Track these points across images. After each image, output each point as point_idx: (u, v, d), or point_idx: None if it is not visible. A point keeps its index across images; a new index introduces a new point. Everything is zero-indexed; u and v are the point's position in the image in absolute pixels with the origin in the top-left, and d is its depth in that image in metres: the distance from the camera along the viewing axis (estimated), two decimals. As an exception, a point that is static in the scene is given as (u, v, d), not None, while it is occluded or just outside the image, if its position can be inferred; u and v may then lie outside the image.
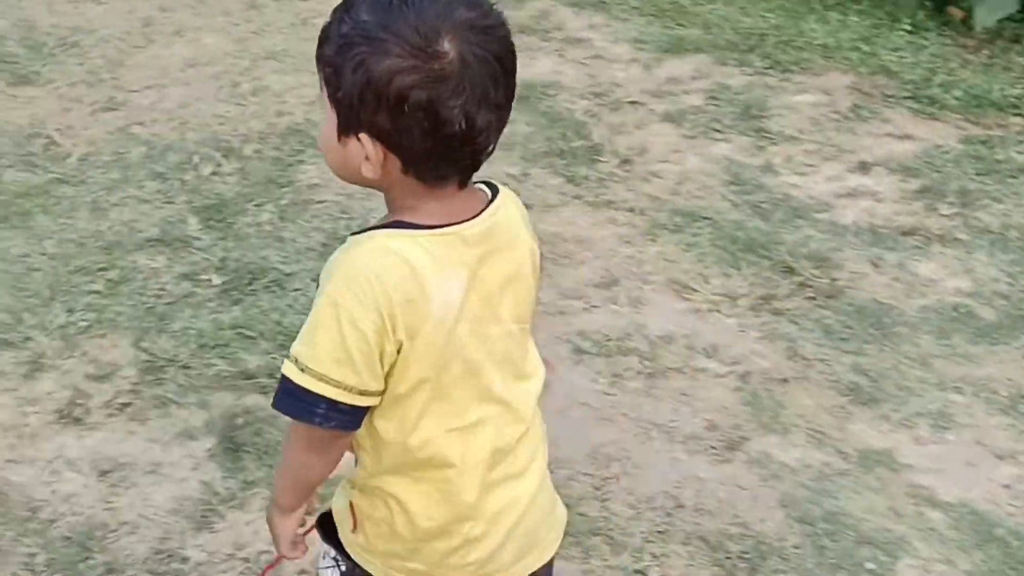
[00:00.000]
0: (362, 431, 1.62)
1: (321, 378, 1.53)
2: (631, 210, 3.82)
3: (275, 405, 1.59)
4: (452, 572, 1.72)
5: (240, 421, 2.94)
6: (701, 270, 3.55)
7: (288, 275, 3.46)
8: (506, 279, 1.62)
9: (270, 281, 3.44)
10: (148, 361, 3.13)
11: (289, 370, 1.55)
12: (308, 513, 1.81)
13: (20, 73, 4.48)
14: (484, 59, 1.46)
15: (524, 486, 1.72)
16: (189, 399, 3.01)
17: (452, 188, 1.55)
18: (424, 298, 1.51)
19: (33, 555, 2.58)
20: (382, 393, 1.56)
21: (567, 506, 1.86)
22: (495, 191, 1.64)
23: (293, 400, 1.55)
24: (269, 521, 1.80)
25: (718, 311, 3.39)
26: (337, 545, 1.81)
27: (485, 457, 1.65)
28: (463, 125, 1.47)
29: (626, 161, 4.06)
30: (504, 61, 1.49)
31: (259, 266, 3.49)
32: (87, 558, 2.57)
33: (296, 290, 3.40)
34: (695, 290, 3.46)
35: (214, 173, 3.94)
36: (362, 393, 1.54)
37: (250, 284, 3.43)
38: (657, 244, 3.66)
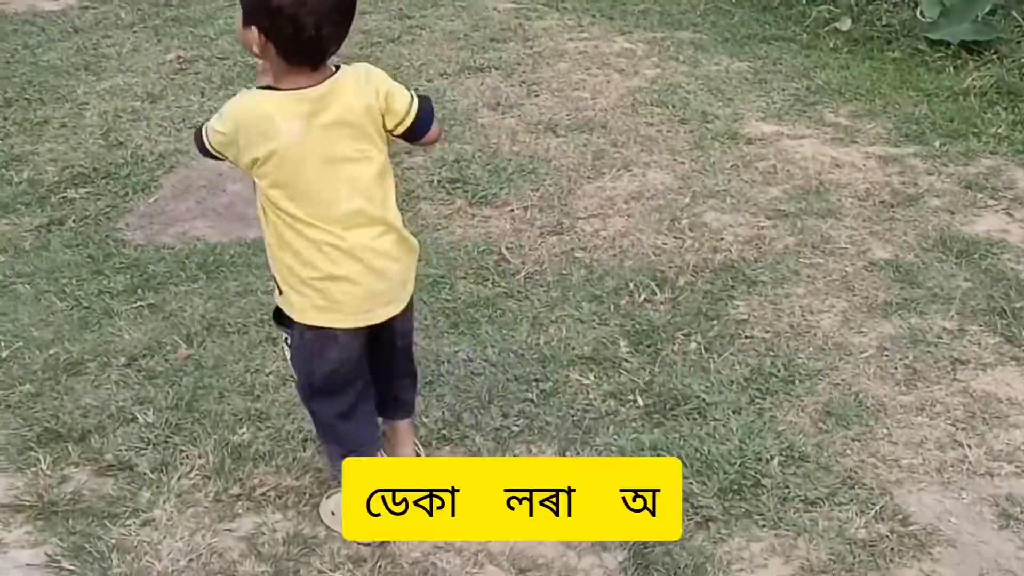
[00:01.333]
0: (260, 214, 2.84)
1: (208, 133, 2.82)
2: (1075, 377, 3.63)
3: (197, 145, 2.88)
4: (336, 305, 2.83)
5: (653, 541, 3.02)
6: None
7: (709, 404, 3.53)
8: (338, 123, 2.73)
9: (691, 408, 3.53)
10: (571, 471, 3.27)
11: (203, 130, 2.84)
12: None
13: (480, 194, 4.86)
14: None
15: (373, 263, 2.83)
16: (605, 512, 3.13)
17: (307, 68, 2.71)
18: (274, 130, 2.70)
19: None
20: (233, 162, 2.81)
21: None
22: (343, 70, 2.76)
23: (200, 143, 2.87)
24: None
25: None
26: (280, 322, 2.99)
27: (340, 235, 2.78)
28: (313, 32, 2.63)
29: (1073, 326, 3.87)
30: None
31: (682, 393, 3.59)
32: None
33: (716, 420, 3.46)
34: None
35: (647, 300, 4.10)
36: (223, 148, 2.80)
37: (672, 409, 3.53)
38: (1103, 415, 3.46)
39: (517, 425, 3.48)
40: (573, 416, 3.52)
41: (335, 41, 2.70)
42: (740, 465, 3.26)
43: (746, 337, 3.88)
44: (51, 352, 3.92)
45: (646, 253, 4.39)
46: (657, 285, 4.18)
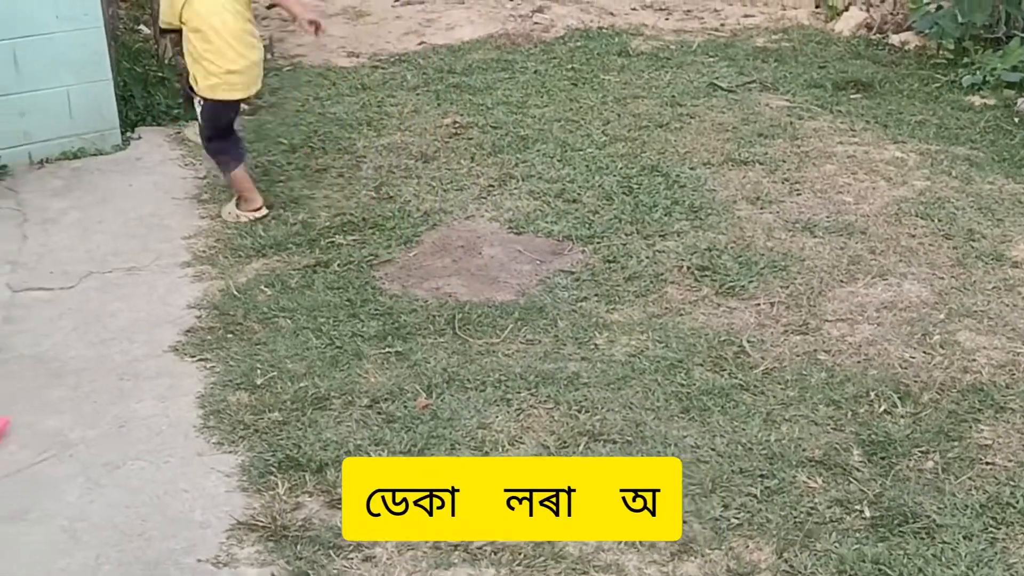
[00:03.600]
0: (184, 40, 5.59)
1: (162, 20, 5.73)
2: None
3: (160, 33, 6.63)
4: (223, 86, 5.41)
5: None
6: None
7: (940, 526, 3.43)
8: None
9: (920, 527, 3.43)
10: (787, 572, 3.24)
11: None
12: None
13: (728, 285, 4.87)
14: None
15: (248, 62, 5.45)
16: (817, 618, 3.08)
17: None
18: None
19: None
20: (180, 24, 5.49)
21: None
22: None
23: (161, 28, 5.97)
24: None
25: None
26: (193, 94, 5.59)
27: (234, 45, 5.38)
28: None
29: None
30: None
31: (912, 511, 3.49)
32: None
33: (945, 542, 3.35)
34: None
35: (886, 412, 4.01)
36: (169, 22, 5.60)
37: (900, 525, 3.44)
38: None
39: (737, 518, 3.46)
40: (796, 517, 3.48)
41: None
42: (964, 593, 3.15)
43: (987, 463, 3.75)
44: (301, 385, 4.14)
45: (892, 364, 4.30)
46: (899, 398, 4.08)
